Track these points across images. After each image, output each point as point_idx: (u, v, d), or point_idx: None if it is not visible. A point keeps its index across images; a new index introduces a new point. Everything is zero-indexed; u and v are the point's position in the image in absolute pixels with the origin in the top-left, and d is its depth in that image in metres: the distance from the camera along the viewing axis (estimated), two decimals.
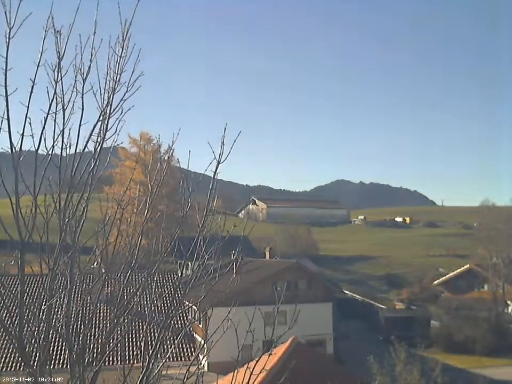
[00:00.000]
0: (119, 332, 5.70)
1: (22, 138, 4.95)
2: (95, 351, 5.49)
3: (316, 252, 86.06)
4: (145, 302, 5.88)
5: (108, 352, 5.56)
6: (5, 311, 5.11)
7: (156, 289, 6.19)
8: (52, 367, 5.48)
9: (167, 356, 5.87)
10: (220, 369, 21.66)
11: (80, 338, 5.37)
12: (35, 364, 5.02)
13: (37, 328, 5.11)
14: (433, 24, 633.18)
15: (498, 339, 48.06)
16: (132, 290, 5.80)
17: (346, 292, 65.06)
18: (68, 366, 5.33)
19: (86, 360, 5.34)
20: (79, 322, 5.39)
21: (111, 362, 8.09)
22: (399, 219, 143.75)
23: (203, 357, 6.68)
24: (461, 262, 73.89)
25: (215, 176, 5.62)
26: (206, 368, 30.53)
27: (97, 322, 5.91)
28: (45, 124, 5.15)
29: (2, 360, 21.45)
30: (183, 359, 23.56)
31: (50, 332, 5.23)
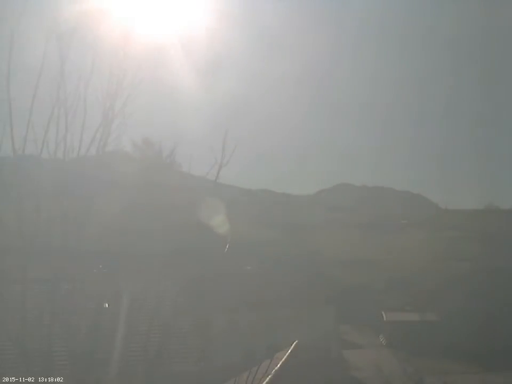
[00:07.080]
0: (121, 336, 5.68)
1: (25, 142, 4.97)
2: (98, 355, 5.46)
3: (318, 255, 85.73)
4: (148, 305, 5.86)
5: (110, 356, 5.54)
6: (7, 315, 5.09)
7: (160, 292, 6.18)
8: (53, 371, 5.46)
9: (170, 359, 5.84)
10: (223, 373, 21.53)
11: (84, 343, 5.35)
12: (36, 367, 5.00)
13: (39, 333, 5.10)
14: None
15: (504, 344, 47.60)
16: (134, 295, 5.78)
17: (349, 295, 64.68)
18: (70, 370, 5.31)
19: (89, 364, 5.32)
20: (81, 326, 5.37)
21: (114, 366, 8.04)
22: (402, 222, 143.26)
23: (206, 361, 6.66)
24: (465, 265, 73.43)
25: (217, 180, 5.61)
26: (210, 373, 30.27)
27: (100, 325, 5.88)
28: (47, 129, 5.16)
29: (4, 364, 21.28)
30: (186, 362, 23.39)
31: (53, 337, 5.21)
